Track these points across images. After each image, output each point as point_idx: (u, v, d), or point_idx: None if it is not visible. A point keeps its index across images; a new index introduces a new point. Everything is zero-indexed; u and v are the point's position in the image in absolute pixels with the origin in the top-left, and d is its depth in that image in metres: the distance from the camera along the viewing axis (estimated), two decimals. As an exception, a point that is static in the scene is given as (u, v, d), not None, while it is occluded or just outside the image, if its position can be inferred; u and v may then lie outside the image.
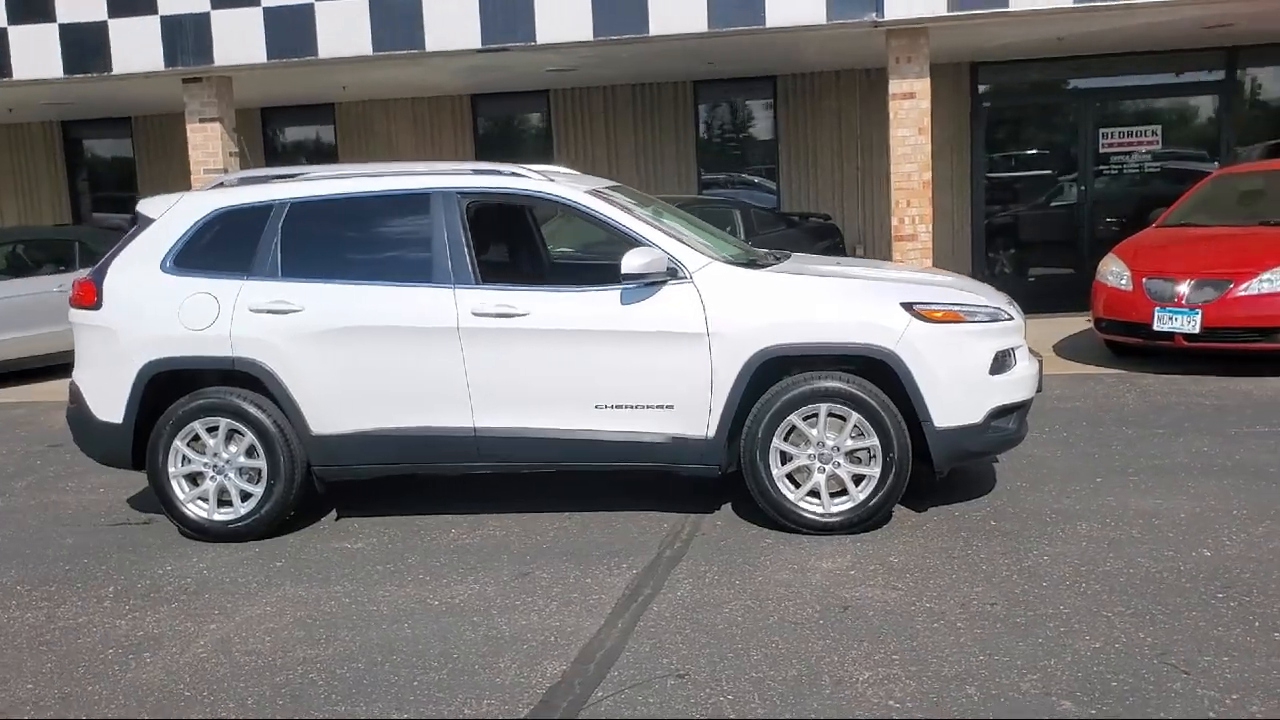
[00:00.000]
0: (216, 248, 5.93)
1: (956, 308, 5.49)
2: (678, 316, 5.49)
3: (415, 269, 5.76)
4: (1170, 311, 8.83)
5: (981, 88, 13.76)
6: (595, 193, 5.87)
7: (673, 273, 5.53)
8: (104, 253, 6.98)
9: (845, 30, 9.88)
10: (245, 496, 5.86)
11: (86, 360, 6.05)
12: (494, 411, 5.65)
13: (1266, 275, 8.69)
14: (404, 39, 10.04)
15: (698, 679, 4.02)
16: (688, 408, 5.53)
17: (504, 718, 3.81)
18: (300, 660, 4.35)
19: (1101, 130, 13.76)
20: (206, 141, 10.98)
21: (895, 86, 10.02)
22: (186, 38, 10.34)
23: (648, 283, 5.52)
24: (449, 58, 10.44)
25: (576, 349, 5.56)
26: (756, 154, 14.42)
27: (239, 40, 10.25)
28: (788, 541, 5.45)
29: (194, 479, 5.90)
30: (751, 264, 5.82)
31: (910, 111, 10.04)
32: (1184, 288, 8.87)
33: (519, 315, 5.59)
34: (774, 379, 5.54)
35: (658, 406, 5.56)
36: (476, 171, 5.99)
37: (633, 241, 5.64)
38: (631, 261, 5.42)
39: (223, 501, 5.89)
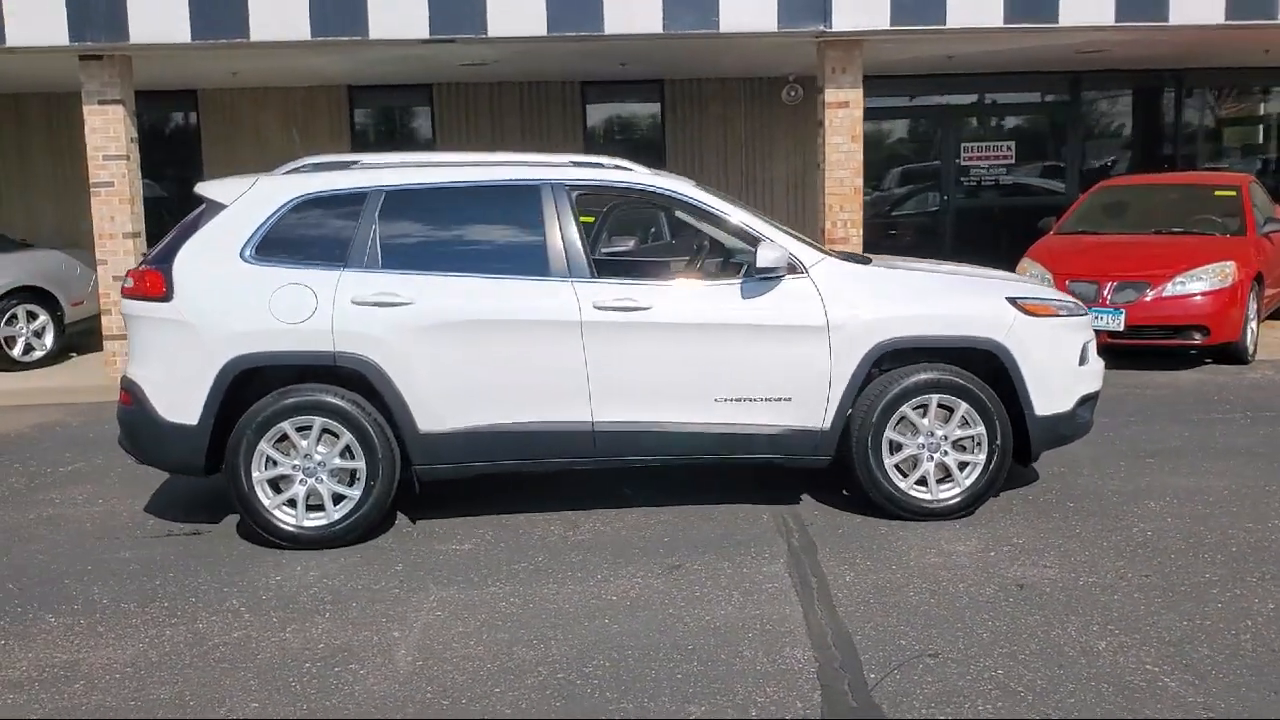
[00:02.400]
0: (304, 236, 5.58)
1: (1051, 302, 5.87)
2: (799, 310, 5.61)
3: (527, 262, 5.61)
4: (1096, 311, 9.62)
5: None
6: (701, 187, 5.90)
7: (792, 268, 5.64)
8: None
9: (790, 39, 10.21)
10: (337, 500, 5.53)
11: (149, 356, 5.56)
12: (613, 406, 5.58)
13: (1179, 279, 9.64)
14: (347, 25, 9.59)
15: (951, 657, 4.17)
16: (806, 400, 5.65)
17: (799, 704, 3.84)
18: (533, 661, 4.20)
19: (963, 145, 14.75)
20: (108, 125, 10.09)
21: (831, 95, 10.42)
22: (96, 10, 9.50)
23: (767, 277, 5.60)
24: (388, 46, 10.07)
25: (699, 343, 5.58)
26: (644, 157, 14.52)
27: (159, 17, 9.51)
28: (901, 528, 5.65)
29: (276, 484, 5.52)
30: (854, 259, 6.00)
31: (844, 120, 10.47)
32: (1107, 290, 9.71)
33: (641, 309, 5.55)
34: (879, 372, 5.75)
35: (776, 399, 5.65)
36: (576, 164, 5.90)
37: (750, 237, 5.71)
38: (765, 256, 5.50)
39: (310, 506, 5.54)
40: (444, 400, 5.50)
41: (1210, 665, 4.05)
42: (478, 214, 5.69)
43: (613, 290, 5.58)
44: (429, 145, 14.15)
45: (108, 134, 10.14)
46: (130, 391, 5.59)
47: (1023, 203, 14.79)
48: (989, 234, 14.26)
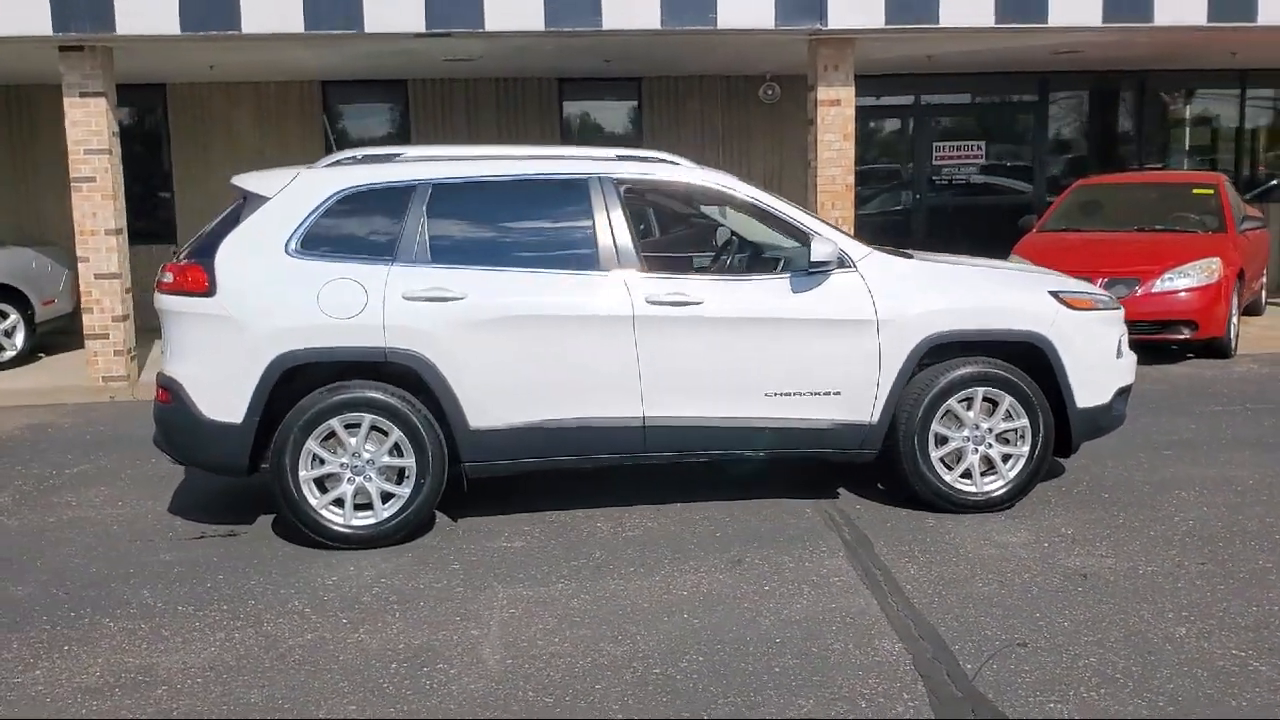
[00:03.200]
0: (350, 230, 5.48)
1: (1090, 295, 5.95)
2: (848, 304, 5.62)
3: (578, 256, 5.57)
4: (1087, 307, 9.77)
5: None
6: (746, 181, 5.89)
7: (841, 262, 5.65)
8: None
9: (783, 37, 10.24)
10: (385, 498, 5.43)
11: (190, 353, 5.41)
12: (665, 401, 5.55)
13: (1167, 275, 9.85)
14: (340, 18, 9.42)
15: (1040, 646, 4.20)
16: (855, 394, 5.67)
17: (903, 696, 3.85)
18: (625, 658, 4.16)
19: (935, 144, 14.93)
20: (89, 118, 9.80)
21: (823, 94, 10.47)
22: (81, 0, 9.23)
23: (817, 271, 5.61)
24: (382, 40, 9.92)
25: (751, 337, 5.57)
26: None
27: (147, 8, 9.25)
28: (948, 521, 5.69)
29: (321, 482, 5.41)
30: (898, 254, 6.02)
31: (836, 118, 10.53)
32: (1097, 286, 9.86)
33: (693, 304, 5.53)
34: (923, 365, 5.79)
35: (825, 393, 5.66)
36: (623, 157, 5.86)
37: (800, 232, 5.72)
38: (819, 250, 5.51)
39: (358, 505, 5.43)
40: (495, 396, 5.43)
41: (1294, 649, 4.13)
42: (527, 208, 5.63)
43: (665, 285, 5.55)
44: (404, 142, 13.95)
45: (89, 127, 9.86)
46: (169, 389, 5.44)
47: (992, 201, 15.01)
48: (960, 231, 14.42)
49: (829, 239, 5.60)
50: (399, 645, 4.32)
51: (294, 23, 9.42)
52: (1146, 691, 3.82)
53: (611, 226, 5.58)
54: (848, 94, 10.53)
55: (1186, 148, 15.83)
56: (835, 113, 10.53)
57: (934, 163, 14.93)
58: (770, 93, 14.07)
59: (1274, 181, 15.62)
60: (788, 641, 4.28)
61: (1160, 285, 9.79)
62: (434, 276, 5.40)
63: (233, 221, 5.50)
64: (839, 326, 5.61)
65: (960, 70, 14.15)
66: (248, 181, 5.63)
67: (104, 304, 10.06)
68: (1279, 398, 8.58)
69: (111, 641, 4.41)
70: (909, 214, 14.97)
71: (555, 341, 5.44)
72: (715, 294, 5.58)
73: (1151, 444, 7.19)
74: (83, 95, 9.81)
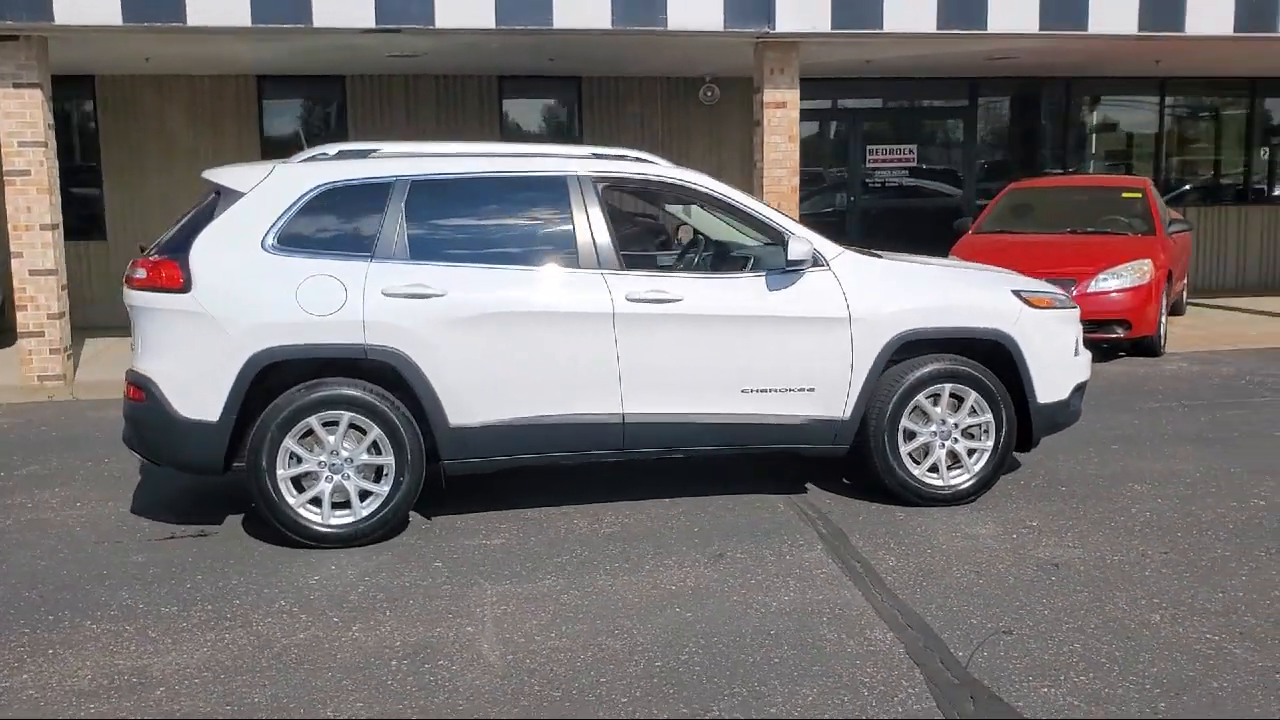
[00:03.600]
0: (328, 226, 5.43)
1: (1049, 295, 6.14)
2: (822, 302, 5.73)
3: (557, 253, 5.60)
4: (1026, 307, 10.04)
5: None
6: (718, 181, 5.96)
7: (814, 260, 5.76)
8: None
9: (731, 39, 10.35)
10: (363, 496, 5.40)
11: (164, 350, 5.32)
12: (643, 398, 5.60)
13: (1102, 276, 10.17)
14: (289, 12, 9.31)
15: (1025, 634, 4.34)
16: (828, 390, 5.78)
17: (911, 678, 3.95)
18: (625, 651, 4.20)
19: (868, 147, 15.20)
20: (24, 110, 9.52)
21: (769, 96, 10.62)
22: (17, -12, 8.99)
23: (791, 270, 5.71)
24: (326, 35, 9.82)
25: (728, 334, 5.65)
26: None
27: (87, -5, 9.05)
28: (916, 514, 5.83)
29: (298, 481, 5.36)
30: (867, 253, 6.15)
31: (782, 120, 10.69)
32: (1036, 286, 10.15)
33: (672, 301, 5.59)
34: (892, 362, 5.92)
35: (800, 390, 5.76)
36: (598, 155, 5.89)
37: (771, 230, 5.82)
38: (796, 249, 5.61)
39: (335, 504, 5.39)
40: (476, 393, 5.43)
41: (1264, 633, 4.32)
42: (506, 205, 5.64)
43: (645, 282, 5.60)
44: (342, 138, 13.80)
45: (24, 119, 9.60)
46: (142, 387, 5.34)
47: (921, 204, 15.34)
48: (892, 233, 14.69)
49: (804, 238, 5.71)
50: (395, 643, 4.31)
51: (240, 16, 9.29)
52: (1132, 675, 3.97)
53: (590, 224, 5.61)
54: (793, 96, 10.69)
55: (1108, 152, 16.34)
56: (781, 115, 10.68)
57: (867, 165, 15.20)
58: (710, 94, 14.21)
59: (1186, 185, 16.20)
60: (782, 633, 4.36)
61: (1095, 286, 10.11)
62: (414, 273, 5.38)
63: (207, 217, 5.41)
64: (813, 324, 5.71)
65: (894, 75, 14.43)
66: (221, 176, 5.55)
67: (39, 301, 9.80)
68: (1210, 395, 8.91)
69: (97, 644, 4.33)
70: (843, 215, 15.22)
71: (536, 339, 5.46)
72: (693, 291, 5.65)
73: (1098, 439, 7.43)
74: (16, 86, 9.55)
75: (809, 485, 6.36)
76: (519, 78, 14.12)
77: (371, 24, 9.51)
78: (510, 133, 14.33)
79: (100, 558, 5.32)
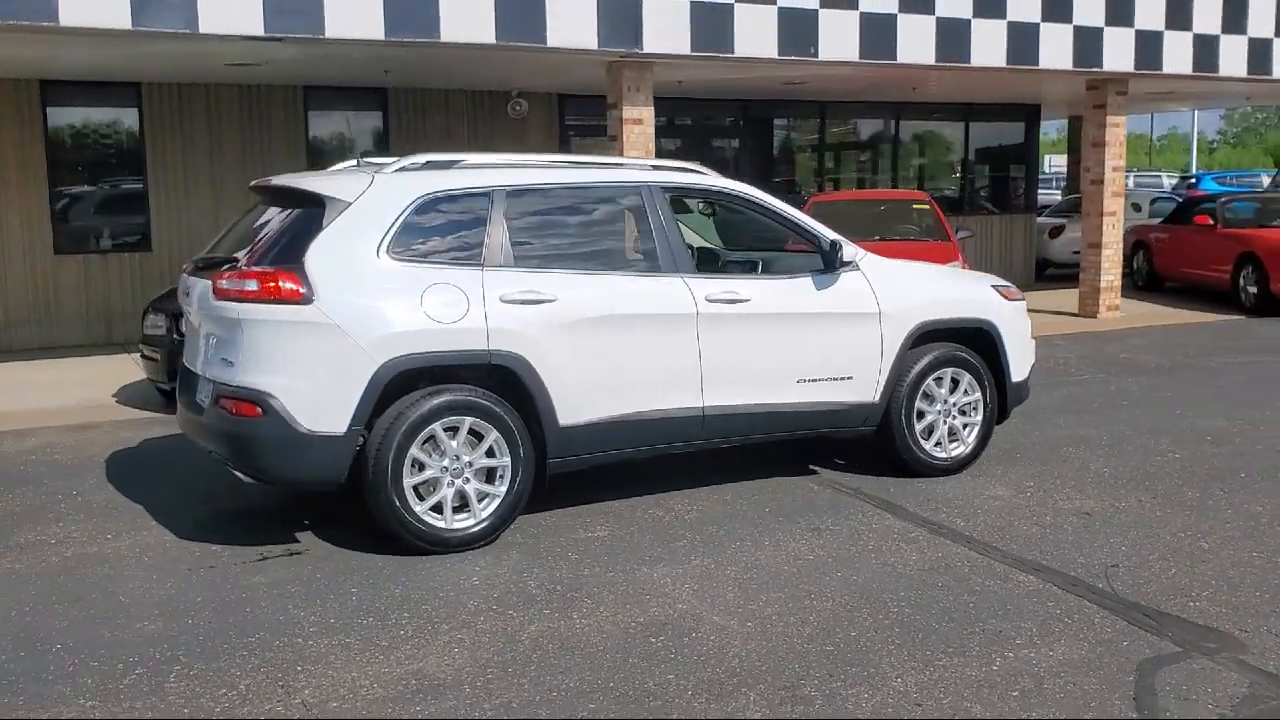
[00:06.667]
0: (434, 235, 5.51)
1: (1014, 289, 7.15)
2: (858, 299, 6.42)
3: (641, 258, 5.95)
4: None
5: (568, 119, 15.27)
6: (760, 190, 6.52)
7: (849, 262, 6.45)
8: None
9: (583, 58, 10.82)
10: (480, 498, 5.52)
11: (283, 363, 5.19)
12: (719, 391, 6.05)
13: (928, 276, 11.50)
14: (174, 17, 8.82)
15: (1129, 566, 5.20)
16: (863, 377, 6.47)
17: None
18: (844, 608, 4.68)
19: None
20: None
21: (628, 113, 11.18)
22: None
23: (836, 270, 6.36)
24: (208, 41, 9.36)
25: (788, 330, 6.22)
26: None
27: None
28: (932, 483, 6.62)
29: (416, 488, 5.40)
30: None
31: (639, 136, 11.27)
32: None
33: (743, 301, 6.09)
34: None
35: (841, 378, 6.42)
36: (657, 167, 6.28)
37: (812, 234, 6.44)
38: (848, 251, 6.27)
39: (454, 508, 5.47)
40: (582, 393, 5.68)
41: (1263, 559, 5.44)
42: (589, 213, 5.92)
43: (718, 284, 6.07)
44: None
45: None
46: (256, 402, 5.17)
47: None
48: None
49: (848, 242, 6.38)
50: (629, 624, 4.55)
51: (119, 20, 8.71)
52: (1243, 586, 4.92)
53: (665, 230, 6.00)
54: (649, 114, 11.31)
55: (858, 164, 18.16)
56: (639, 131, 11.27)
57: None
58: (518, 108, 14.53)
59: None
60: (947, 585, 4.99)
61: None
62: (525, 280, 5.56)
63: (313, 226, 5.32)
64: (852, 319, 6.39)
65: (688, 96, 15.33)
66: (318, 184, 5.47)
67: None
68: (1047, 376, 10.37)
69: (340, 657, 4.29)
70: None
71: (633, 339, 5.78)
72: (757, 292, 6.18)
73: (1042, 411, 8.32)
74: None
75: (813, 467, 7.01)
76: (324, 88, 13.83)
77: (260, 31, 9.19)
78: (315, 144, 14.00)
79: (217, 584, 5.11)
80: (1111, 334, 13.09)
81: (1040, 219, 19.57)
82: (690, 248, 7.22)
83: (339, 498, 5.91)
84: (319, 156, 13.91)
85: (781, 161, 17.57)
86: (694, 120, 16.62)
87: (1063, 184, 31.65)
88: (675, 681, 4.05)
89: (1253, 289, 14.41)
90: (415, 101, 14.36)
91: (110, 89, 12.83)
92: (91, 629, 4.59)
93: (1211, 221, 15.57)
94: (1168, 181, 37.20)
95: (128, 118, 13.09)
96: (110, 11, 8.67)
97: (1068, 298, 15.45)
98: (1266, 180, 33.79)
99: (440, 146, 14.26)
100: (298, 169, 13.57)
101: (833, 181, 17.60)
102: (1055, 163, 42.75)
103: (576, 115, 15.31)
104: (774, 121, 17.30)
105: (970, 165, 18.77)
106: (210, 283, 5.45)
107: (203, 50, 10.27)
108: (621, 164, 6.19)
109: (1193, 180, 36.47)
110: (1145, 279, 17.14)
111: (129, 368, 10.93)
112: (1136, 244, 17.41)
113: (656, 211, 6.02)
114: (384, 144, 14.23)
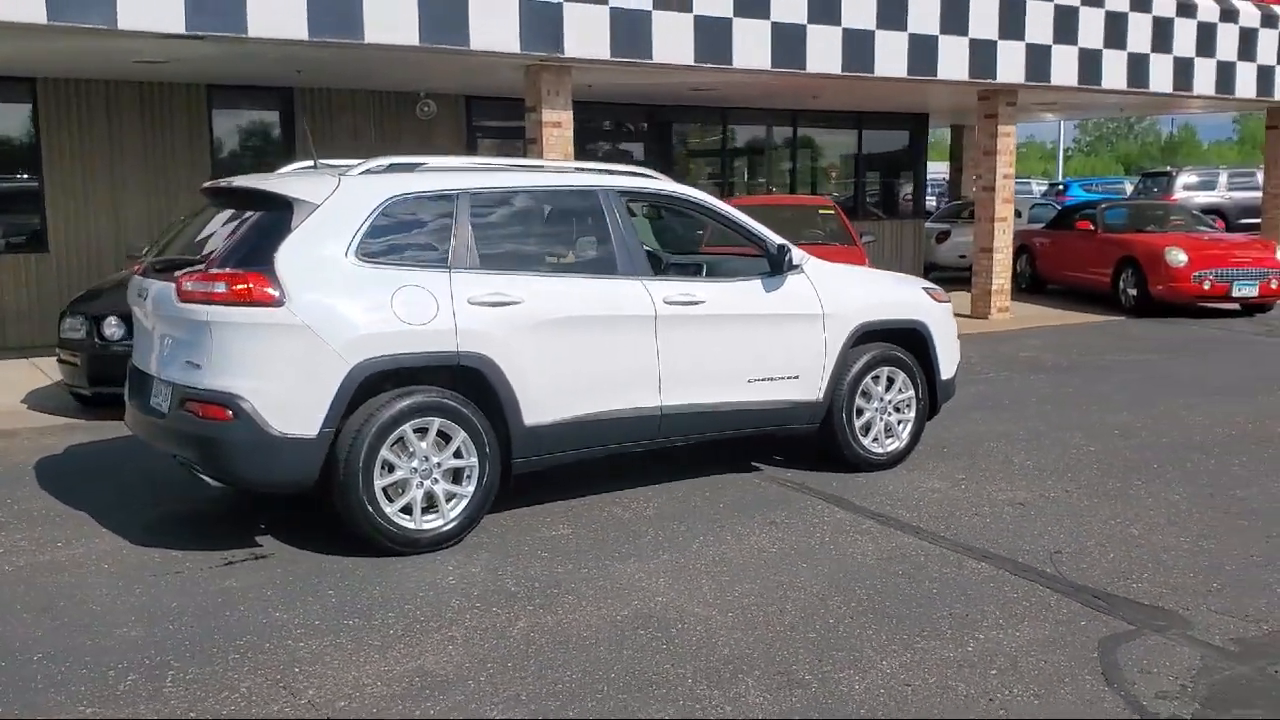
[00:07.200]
0: (401, 237, 5.54)
1: (940, 292, 7.48)
2: (804, 301, 6.66)
3: (600, 261, 6.08)
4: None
5: (475, 121, 15.26)
6: (709, 195, 6.70)
7: (796, 266, 6.68)
8: None
9: (512, 61, 10.89)
10: (447, 499, 5.58)
11: (254, 366, 5.17)
12: (676, 391, 6.21)
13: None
14: (92, 12, 8.58)
15: (1070, 551, 5.54)
16: (808, 376, 6.71)
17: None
18: (818, 595, 4.89)
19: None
20: None
21: (547, 116, 11.26)
22: None
23: (784, 273, 6.58)
24: (123, 38, 9.14)
25: (740, 331, 6.42)
26: (275, 162, 14.06)
27: None
28: (871, 477, 6.91)
29: (386, 490, 5.43)
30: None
31: (558, 139, 11.37)
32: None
33: (699, 303, 6.26)
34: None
35: (788, 377, 6.65)
36: (609, 171, 6.41)
37: (762, 239, 6.66)
38: (797, 254, 6.50)
39: (424, 508, 5.52)
40: (547, 394, 5.78)
41: (1204, 526, 5.86)
42: (550, 217, 6.02)
43: (675, 287, 6.23)
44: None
45: None
46: (228, 406, 5.14)
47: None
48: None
49: (791, 246, 6.61)
50: (611, 617, 4.68)
51: (34, 14, 8.45)
52: (1177, 569, 5.29)
53: (624, 233, 6.14)
54: (568, 117, 11.42)
55: (751, 170, 18.54)
56: (558, 134, 11.37)
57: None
58: (426, 109, 14.47)
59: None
60: (904, 573, 5.24)
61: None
62: (491, 282, 5.64)
63: (281, 228, 5.30)
64: (798, 320, 6.63)
65: (599, 100, 15.47)
66: (285, 187, 5.46)
67: None
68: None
69: (335, 657, 4.32)
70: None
71: (597, 340, 5.91)
72: (712, 294, 6.36)
73: (961, 408, 8.62)
74: None
75: (754, 464, 7.23)
76: (228, 87, 13.56)
77: (181, 29, 9.01)
78: (219, 143, 13.71)
79: (188, 589, 5.06)
80: (1006, 334, 13.69)
81: (926, 224, 20.28)
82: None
83: (294, 500, 5.91)
84: (221, 153, 13.65)
85: (683, 166, 17.84)
86: (601, 124, 16.77)
87: (941, 190, 32.81)
88: (673, 670, 4.19)
89: (1133, 291, 15.20)
90: (322, 101, 14.17)
91: (3, 83, 12.36)
92: (70, 637, 4.52)
93: (1092, 227, 16.37)
94: (1037, 188, 38.74)
95: (21, 114, 12.63)
96: (25, 5, 8.41)
97: (959, 301, 16.03)
98: (1129, 188, 35.50)
99: (348, 147, 14.12)
100: (201, 168, 13.33)
101: (731, 186, 17.95)
102: (935, 170, 44.21)
103: (484, 117, 15.32)
104: (674, 127, 17.57)
105: (862, 171, 19.34)
106: (171, 285, 5.39)
107: (112, 47, 10.02)
108: (581, 168, 6.31)
109: (1061, 187, 38.15)
110: (1029, 282, 17.89)
111: (31, 372, 10.58)
112: (1020, 248, 18.16)
113: (614, 215, 6.15)
114: (289, 142, 14.02)
